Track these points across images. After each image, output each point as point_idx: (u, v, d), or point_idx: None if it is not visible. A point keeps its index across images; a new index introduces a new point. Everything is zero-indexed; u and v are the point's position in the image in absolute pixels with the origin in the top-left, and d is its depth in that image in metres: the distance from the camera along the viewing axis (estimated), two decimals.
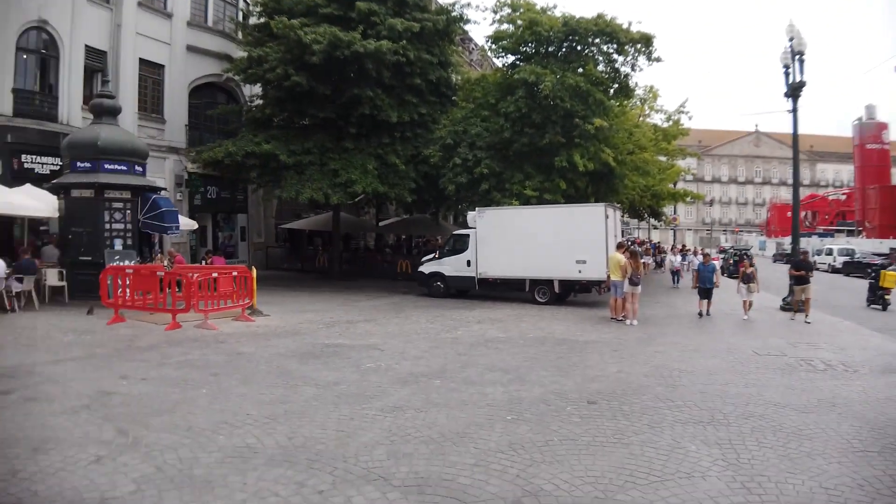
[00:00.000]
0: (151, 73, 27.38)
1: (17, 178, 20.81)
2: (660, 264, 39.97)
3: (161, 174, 27.32)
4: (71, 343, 11.78)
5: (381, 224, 36.48)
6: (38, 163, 21.74)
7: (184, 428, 6.81)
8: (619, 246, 18.10)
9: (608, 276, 17.45)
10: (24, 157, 21.90)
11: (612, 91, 24.72)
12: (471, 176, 22.82)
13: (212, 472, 5.60)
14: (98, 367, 9.82)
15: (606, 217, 19.54)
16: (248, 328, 14.19)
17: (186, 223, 24.01)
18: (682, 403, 8.28)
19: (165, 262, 20.77)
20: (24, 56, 22.51)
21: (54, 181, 18.40)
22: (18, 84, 22.15)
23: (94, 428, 6.71)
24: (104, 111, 18.49)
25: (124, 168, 18.08)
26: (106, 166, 17.71)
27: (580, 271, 19.62)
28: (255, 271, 16.73)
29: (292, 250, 34.96)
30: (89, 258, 17.28)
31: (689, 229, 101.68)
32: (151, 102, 27.50)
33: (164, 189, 19.76)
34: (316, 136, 24.76)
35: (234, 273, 15.69)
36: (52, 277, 17.27)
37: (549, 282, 20.26)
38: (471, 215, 21.99)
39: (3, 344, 11.35)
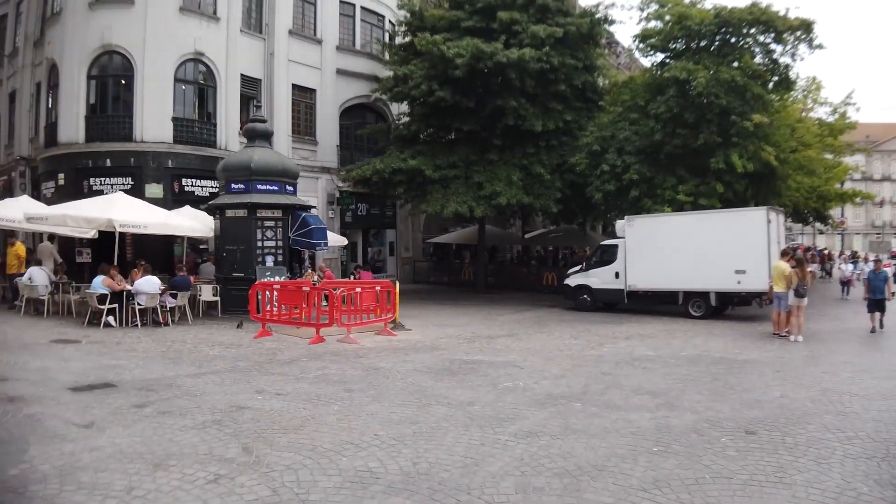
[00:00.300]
0: (304, 98, 28.63)
1: (178, 200, 22.41)
2: (828, 273, 36.43)
3: (314, 193, 28.45)
4: (215, 357, 12.15)
5: (526, 236, 35.92)
6: (198, 186, 23.35)
7: (308, 447, 6.64)
8: (784, 253, 16.40)
9: (770, 287, 15.87)
10: (184, 181, 23.53)
11: (770, 84, 22.78)
12: (619, 183, 21.79)
13: (328, 497, 5.33)
14: (237, 381, 9.97)
15: (769, 222, 17.90)
16: (388, 343, 14.15)
17: (336, 239, 24.75)
18: (853, 434, 7.12)
19: (315, 278, 21.49)
20: (183, 87, 24.23)
21: (211, 202, 19.52)
22: (178, 113, 23.95)
23: (219, 444, 6.68)
24: (257, 135, 19.37)
25: (275, 188, 18.80)
26: (258, 187, 18.48)
27: (739, 282, 18.07)
28: (398, 285, 16.77)
29: (439, 264, 35.20)
30: (241, 274, 18.05)
31: (857, 233, 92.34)
32: (304, 125, 28.72)
33: (314, 207, 20.43)
34: (460, 149, 24.78)
35: (378, 288, 15.71)
36: (207, 293, 18.20)
37: (705, 294, 18.84)
38: (619, 224, 20.98)
39: (150, 357, 11.87)
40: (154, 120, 23.21)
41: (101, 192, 21.27)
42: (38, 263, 18.11)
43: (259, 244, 18.52)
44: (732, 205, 20.55)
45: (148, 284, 15.95)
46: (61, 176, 23.92)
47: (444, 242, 35.53)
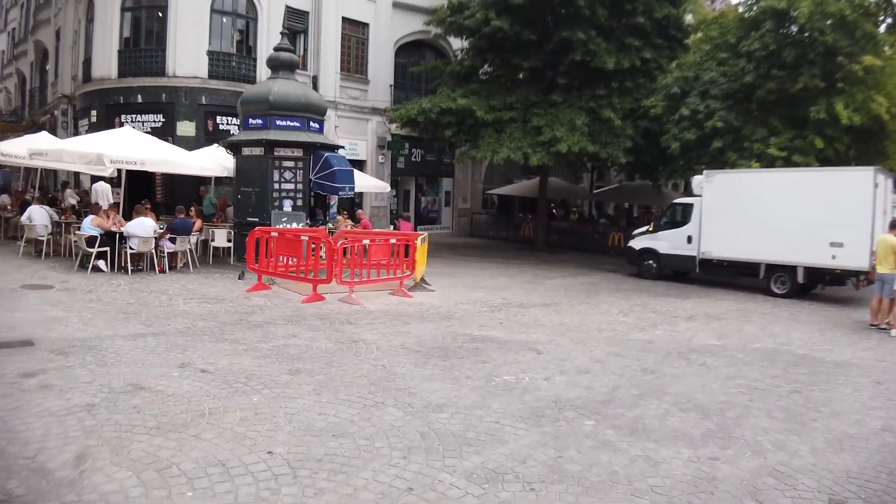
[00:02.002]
0: (355, 32, 26.34)
1: (211, 139, 20.88)
2: None
3: (363, 136, 26.43)
4: (182, 313, 10.31)
5: (595, 191, 32.81)
6: (234, 124, 21.54)
7: (158, 463, 4.58)
8: (893, 226, 12.89)
9: (873, 267, 12.68)
10: (219, 118, 21.85)
11: (883, 27, 18.89)
12: (701, 131, 18.52)
13: None
14: (172, 348, 8.07)
15: (876, 186, 14.58)
16: (397, 306, 11.97)
17: (378, 186, 22.65)
18: None
19: (348, 225, 19.45)
20: (223, 18, 22.39)
21: (228, 139, 17.67)
22: (214, 46, 22.29)
23: (58, 443, 4.87)
24: (280, 65, 17.19)
25: (297, 124, 16.66)
26: (277, 122, 16.44)
27: (834, 257, 14.89)
28: (426, 239, 14.57)
29: (499, 217, 32.62)
30: (256, 219, 16.17)
31: None
32: (356, 62, 26.48)
33: (341, 147, 18.24)
34: (521, 90, 22.02)
35: (393, 241, 13.47)
36: (221, 238, 16.46)
37: (792, 268, 15.65)
38: (696, 180, 17.91)
39: (106, 311, 10.10)
40: (188, 53, 21.73)
41: None
42: (40, 202, 16.66)
43: (276, 186, 16.49)
44: (832, 165, 17.14)
45: (140, 227, 14.22)
46: (94, 113, 22.96)
47: (506, 194, 32.92)
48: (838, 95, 16.89)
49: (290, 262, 13.11)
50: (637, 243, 18.98)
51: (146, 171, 17.23)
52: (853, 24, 16.75)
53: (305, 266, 12.74)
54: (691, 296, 15.28)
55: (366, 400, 6.44)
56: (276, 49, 17.50)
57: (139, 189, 21.60)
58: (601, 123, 20.61)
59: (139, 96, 21.89)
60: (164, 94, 21.79)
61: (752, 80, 17.91)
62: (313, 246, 12.47)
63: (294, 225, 16.10)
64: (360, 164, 26.41)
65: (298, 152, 16.68)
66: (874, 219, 14.42)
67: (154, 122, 21.89)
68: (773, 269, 16.02)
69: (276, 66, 17.23)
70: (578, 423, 6.02)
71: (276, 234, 13.42)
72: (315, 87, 24.68)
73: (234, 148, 16.81)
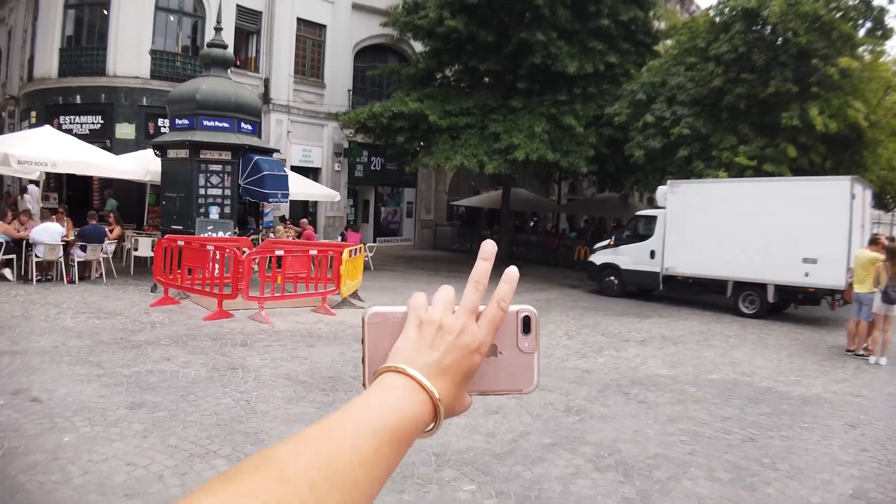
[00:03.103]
0: (311, 34, 24.99)
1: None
2: None
3: (319, 142, 25.08)
4: (63, 329, 8.99)
5: (561, 204, 31.51)
6: None
7: None
8: (874, 242, 11.63)
9: (849, 285, 11.44)
10: (160, 121, 20.45)
11: (861, 31, 17.77)
12: (666, 139, 17.33)
13: None
14: (23, 370, 6.91)
15: (853, 197, 13.41)
16: (313, 325, 10.55)
17: (327, 194, 21.24)
18: None
19: (289, 235, 18.11)
20: (169, 17, 21.11)
21: (154, 140, 16.24)
22: (158, 45, 21.03)
23: None
24: (213, 62, 15.79)
25: (226, 125, 15.25)
26: (204, 123, 15.06)
27: (807, 274, 13.62)
28: (363, 251, 13.32)
29: (463, 229, 31.25)
30: (181, 227, 14.77)
31: None
32: (311, 65, 25.12)
33: (276, 150, 16.81)
34: (479, 94, 20.74)
35: (314, 252, 12.06)
36: (145, 247, 15.06)
37: (761, 286, 14.34)
38: (661, 191, 16.64)
39: None
40: (129, 53, 20.42)
41: (70, 132, 18.49)
42: None
43: (202, 192, 15.05)
44: (806, 175, 15.94)
45: (45, 233, 12.86)
46: (33, 114, 21.55)
47: (474, 206, 31.58)
48: (813, 100, 15.74)
49: (195, 275, 11.66)
50: (598, 258, 17.66)
51: (87, 177, 15.97)
52: (829, 24, 15.64)
53: (211, 279, 11.32)
54: (651, 315, 13.94)
55: (197, 447, 5.05)
56: (209, 45, 16.14)
57: (83, 195, 20.40)
58: (563, 131, 19.35)
59: (78, 97, 20.61)
60: (103, 95, 20.51)
61: (720, 85, 16.73)
62: (225, 257, 11.03)
63: (221, 234, 14.72)
64: (314, 172, 25.08)
65: (227, 155, 15.24)
66: (851, 233, 13.21)
67: (93, 123, 20.66)
68: (741, 286, 14.73)
69: (208, 62, 15.85)
70: (454, 489, 4.60)
71: (182, 244, 11.97)
72: (267, 90, 23.39)
73: (161, 150, 15.39)
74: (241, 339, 9.23)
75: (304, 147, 24.64)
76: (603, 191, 29.23)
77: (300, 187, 20.03)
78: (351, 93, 25.89)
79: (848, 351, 10.69)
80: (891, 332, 10.12)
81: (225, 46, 16.45)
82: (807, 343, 11.61)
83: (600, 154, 19.85)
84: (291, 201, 23.63)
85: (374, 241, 27.25)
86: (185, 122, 15.11)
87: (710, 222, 15.05)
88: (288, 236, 18.19)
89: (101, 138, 19.57)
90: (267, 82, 23.56)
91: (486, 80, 21.55)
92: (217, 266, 11.04)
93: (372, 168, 27.12)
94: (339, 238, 20.56)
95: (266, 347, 8.80)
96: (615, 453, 5.46)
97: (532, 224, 33.33)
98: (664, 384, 7.96)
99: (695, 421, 6.49)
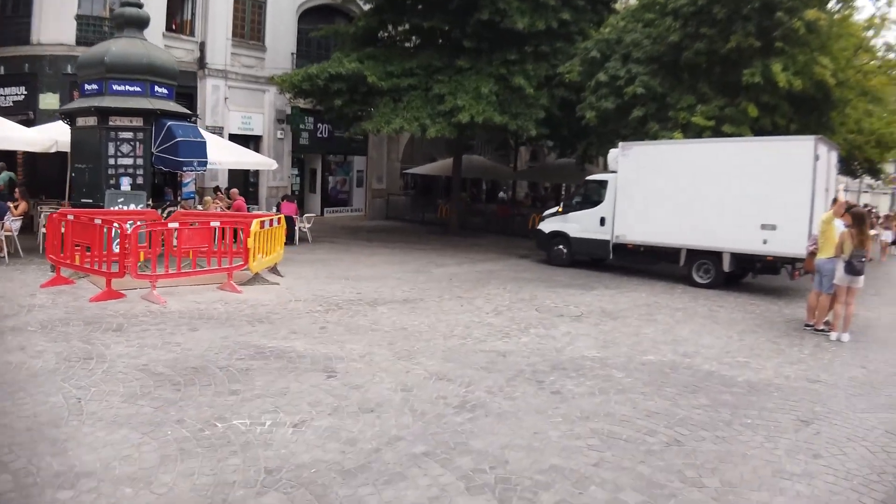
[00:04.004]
0: None
1: None
2: None
3: (259, 109, 23.57)
4: None
5: (518, 171, 30.21)
6: None
7: None
8: (837, 205, 10.30)
9: (811, 253, 10.29)
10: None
11: None
12: (620, 100, 16.16)
13: None
14: None
15: (816, 158, 12.33)
16: (210, 305, 9.30)
17: (262, 162, 19.80)
18: None
19: (219, 207, 16.76)
20: None
21: (61, 108, 14.85)
22: (84, 10, 19.45)
23: None
24: (126, 22, 14.24)
25: (138, 89, 13.76)
26: (114, 87, 13.58)
27: (766, 241, 12.59)
28: (282, 222, 12.12)
29: (418, 199, 29.92)
30: (90, 200, 13.40)
31: None
32: (251, 27, 23.45)
33: (194, 115, 15.29)
34: (424, 54, 19.34)
35: (216, 223, 10.74)
36: None
37: (716, 254, 13.34)
38: (612, 154, 15.48)
39: None
40: (54, 18, 18.89)
41: None
42: None
43: (111, 162, 13.60)
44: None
45: None
46: None
47: (428, 174, 30.21)
48: (776, 57, 14.57)
49: (84, 252, 10.28)
50: (546, 226, 16.52)
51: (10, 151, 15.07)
52: None
53: (99, 256, 9.96)
54: (597, 287, 12.85)
55: None
56: (123, 3, 14.55)
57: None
58: (512, 92, 18.10)
59: (1, 68, 19.17)
60: (26, 65, 19.09)
61: (677, 40, 15.51)
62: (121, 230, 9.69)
63: (132, 206, 13.32)
64: (255, 140, 23.61)
65: (138, 122, 13.75)
66: (814, 198, 12.17)
67: (16, 95, 19.32)
68: (694, 255, 13.69)
69: (121, 23, 14.29)
70: None
71: (71, 218, 10.57)
72: (202, 54, 21.79)
73: (70, 118, 13.97)
74: (118, 322, 8.00)
75: (244, 114, 23.15)
76: (562, 156, 28.06)
77: (235, 156, 18.68)
78: (295, 56, 24.29)
79: (807, 326, 9.71)
80: (853, 306, 9.08)
81: (140, 5, 14.90)
82: (762, 317, 10.60)
83: (552, 117, 18.64)
84: (231, 171, 22.34)
85: (322, 213, 26.01)
86: (95, 87, 13.67)
87: (663, 187, 14.00)
88: (217, 207, 16.84)
89: (25, 110, 18.51)
90: (202, 46, 21.96)
91: (433, 39, 20.14)
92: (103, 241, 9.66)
93: (318, 135, 25.60)
94: (275, 209, 19.22)
95: (142, 332, 7.58)
96: (499, 466, 4.32)
97: (487, 192, 32.08)
98: (589, 369, 6.84)
99: (612, 418, 5.37)
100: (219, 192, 18.29)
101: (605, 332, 8.67)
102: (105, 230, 9.85)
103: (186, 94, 21.89)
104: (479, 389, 5.95)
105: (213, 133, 20.82)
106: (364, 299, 10.25)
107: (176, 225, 10.32)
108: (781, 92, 14.56)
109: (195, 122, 15.16)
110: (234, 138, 21.93)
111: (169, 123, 13.77)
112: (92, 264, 10.01)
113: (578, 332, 8.62)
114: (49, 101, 18.99)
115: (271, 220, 11.86)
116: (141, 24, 14.70)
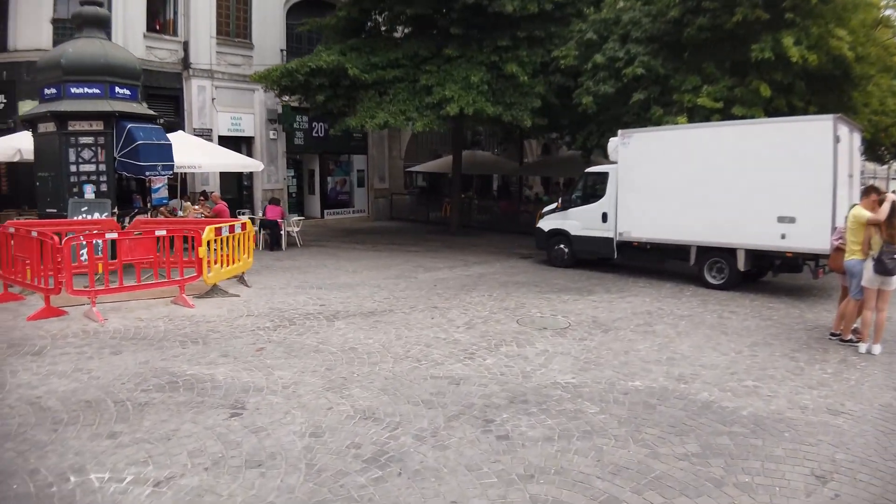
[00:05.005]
0: None
1: None
2: None
3: (249, 109, 22.63)
4: None
5: (522, 166, 28.83)
6: None
7: None
8: (868, 193, 8.36)
9: (836, 250, 8.86)
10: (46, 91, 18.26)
11: None
12: (620, 83, 14.87)
13: None
14: None
15: (837, 140, 10.95)
16: (153, 322, 8.38)
17: (247, 164, 18.82)
18: None
19: (199, 213, 15.84)
20: None
21: (22, 115, 14.29)
22: (61, 13, 18.70)
23: None
24: (84, 22, 13.43)
25: (97, 91, 12.92)
26: (72, 90, 12.82)
27: (784, 235, 11.22)
28: (249, 227, 11.15)
29: (423, 198, 28.75)
30: (55, 210, 12.71)
31: None
32: (236, 25, 22.55)
33: (157, 116, 14.29)
34: (409, 44, 18.19)
35: (161, 232, 9.70)
36: None
37: (730, 251, 12.00)
38: (612, 143, 14.19)
39: None
40: (30, 23, 18.35)
41: None
42: None
43: (73, 169, 12.78)
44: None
45: None
46: None
47: (430, 172, 29.02)
48: (788, 29, 13.16)
49: (25, 266, 9.37)
50: (546, 223, 15.28)
51: None
52: None
53: (36, 271, 9.01)
54: (596, 291, 11.60)
55: None
56: (82, 3, 13.65)
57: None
58: (505, 80, 16.88)
59: None
60: (4, 72, 18.55)
61: (678, 16, 14.18)
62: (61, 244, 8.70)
63: (96, 215, 12.44)
64: (247, 142, 22.68)
65: (98, 125, 12.91)
66: (835, 185, 10.79)
67: None
68: (705, 252, 12.37)
69: (80, 23, 13.49)
70: None
71: (12, 231, 9.62)
72: (186, 54, 20.87)
73: (32, 125, 13.27)
74: (41, 345, 7.19)
75: (233, 114, 22.24)
76: (570, 147, 26.69)
77: (217, 158, 17.75)
78: (284, 53, 23.27)
79: (832, 336, 8.33)
80: (886, 312, 7.72)
81: (100, 4, 14.00)
82: (780, 324, 9.23)
83: (549, 105, 17.35)
84: (223, 175, 21.41)
85: (322, 215, 25.00)
86: (53, 91, 12.97)
87: (669, 177, 12.73)
88: (200, 214, 15.90)
89: (5, 119, 18.09)
90: (186, 46, 21.08)
91: (420, 27, 18.98)
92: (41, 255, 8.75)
93: (314, 134, 24.58)
94: (261, 213, 18.23)
95: (59, 357, 6.73)
96: None
97: (499, 189, 30.89)
98: (556, 401, 5.65)
99: (564, 478, 4.18)
100: (201, 198, 17.33)
101: (588, 350, 7.44)
102: (41, 243, 8.90)
103: (172, 96, 21.09)
104: (406, 433, 4.81)
105: (201, 136, 19.94)
106: (325, 312, 9.14)
107: (115, 235, 9.25)
108: (796, 69, 13.22)
109: (161, 124, 14.19)
110: (223, 140, 21.07)
111: (129, 126, 12.84)
112: (32, 280, 9.06)
113: (557, 350, 7.41)
114: (28, 108, 18.28)
115: (232, 227, 10.80)
116: (100, 23, 13.89)
